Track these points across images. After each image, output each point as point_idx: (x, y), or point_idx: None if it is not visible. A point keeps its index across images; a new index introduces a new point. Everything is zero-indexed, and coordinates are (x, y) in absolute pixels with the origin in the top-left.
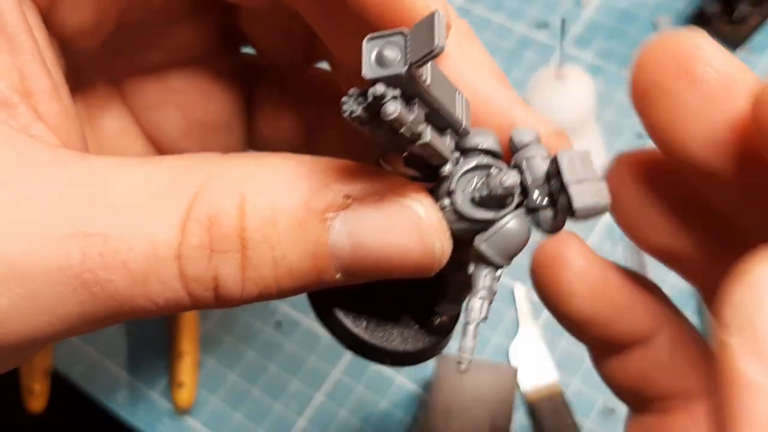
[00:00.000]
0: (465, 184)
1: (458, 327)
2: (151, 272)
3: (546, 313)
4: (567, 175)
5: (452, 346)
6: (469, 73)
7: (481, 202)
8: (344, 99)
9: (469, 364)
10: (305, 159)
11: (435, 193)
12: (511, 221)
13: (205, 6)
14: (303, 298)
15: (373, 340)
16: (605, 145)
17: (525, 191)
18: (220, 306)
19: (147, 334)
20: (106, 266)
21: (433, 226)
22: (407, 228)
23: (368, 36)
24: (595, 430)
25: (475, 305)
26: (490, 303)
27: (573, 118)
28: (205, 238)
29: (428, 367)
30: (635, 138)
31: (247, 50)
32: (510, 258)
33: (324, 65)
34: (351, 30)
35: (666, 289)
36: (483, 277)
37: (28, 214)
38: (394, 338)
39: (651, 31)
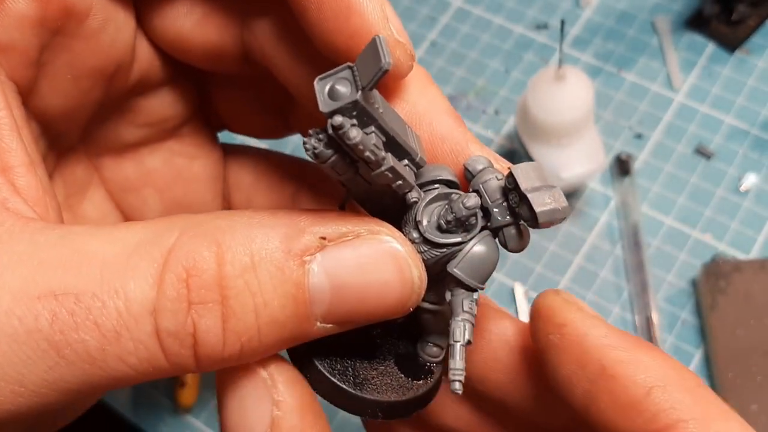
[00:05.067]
0: (430, 214)
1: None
2: (123, 329)
3: None
4: (523, 185)
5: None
6: (427, 113)
7: (448, 228)
8: (305, 139)
9: (461, 386)
10: (277, 209)
11: (402, 230)
12: (477, 244)
13: (179, 76)
14: None
15: (364, 394)
16: (604, 144)
17: (487, 214)
18: (199, 367)
19: None
20: (78, 326)
21: (408, 256)
22: (384, 261)
23: (318, 77)
24: None
25: (457, 326)
26: (473, 325)
27: (572, 118)
28: (183, 290)
29: None
30: (633, 138)
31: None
32: (483, 280)
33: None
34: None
35: (665, 289)
36: (461, 302)
37: None
38: (385, 389)
39: (650, 31)
